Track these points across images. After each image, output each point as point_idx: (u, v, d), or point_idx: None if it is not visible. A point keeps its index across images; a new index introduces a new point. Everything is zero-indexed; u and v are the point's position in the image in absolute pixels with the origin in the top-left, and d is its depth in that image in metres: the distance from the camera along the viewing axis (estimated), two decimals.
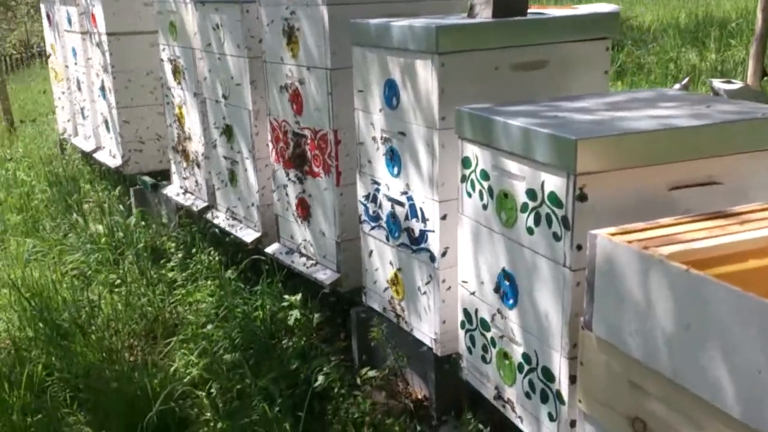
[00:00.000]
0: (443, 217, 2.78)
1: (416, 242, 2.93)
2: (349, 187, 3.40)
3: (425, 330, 2.98)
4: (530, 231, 2.23)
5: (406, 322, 3.11)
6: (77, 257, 5.03)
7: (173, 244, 5.02)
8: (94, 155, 6.31)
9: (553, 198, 2.11)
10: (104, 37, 5.56)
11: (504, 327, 2.44)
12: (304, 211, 3.68)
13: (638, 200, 2.10)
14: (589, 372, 1.97)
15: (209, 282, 4.44)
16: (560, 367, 2.20)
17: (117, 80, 5.63)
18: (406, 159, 2.90)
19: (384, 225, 3.11)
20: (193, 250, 4.79)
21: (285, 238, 3.93)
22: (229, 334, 3.75)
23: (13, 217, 6.08)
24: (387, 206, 3.07)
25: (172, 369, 3.71)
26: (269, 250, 3.99)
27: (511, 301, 2.37)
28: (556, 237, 2.12)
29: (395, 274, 3.11)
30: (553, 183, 2.10)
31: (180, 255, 4.86)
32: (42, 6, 7.31)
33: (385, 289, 3.20)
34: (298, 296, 3.69)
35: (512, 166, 2.28)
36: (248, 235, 4.19)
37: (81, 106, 6.59)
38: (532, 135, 2.16)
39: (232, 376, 3.50)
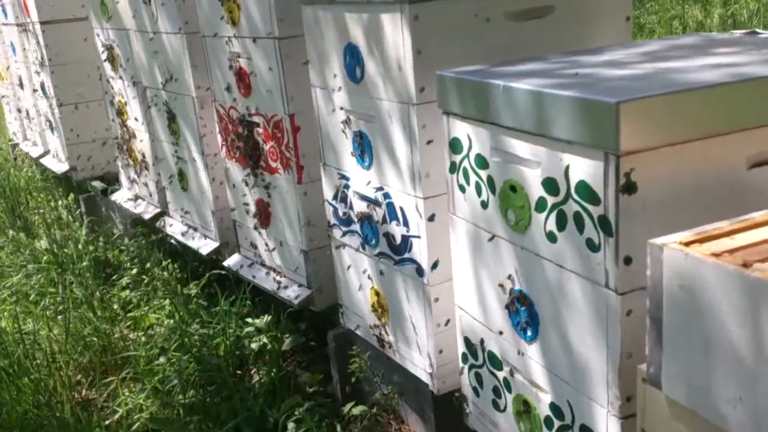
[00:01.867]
0: (430, 218, 2.13)
1: (398, 251, 2.28)
2: (314, 184, 2.74)
3: (418, 361, 2.34)
4: (551, 237, 1.58)
5: (393, 351, 2.46)
6: (17, 279, 4.36)
7: (127, 258, 4.36)
8: (41, 161, 5.63)
9: (585, 190, 1.46)
10: (38, 27, 4.86)
11: (522, 366, 1.80)
12: (265, 216, 3.03)
13: (707, 186, 1.45)
14: None
15: (166, 302, 3.78)
16: (608, 429, 1.55)
17: (56, 75, 4.93)
18: (377, 146, 2.24)
19: (358, 230, 2.46)
20: (148, 265, 4.13)
21: (246, 248, 3.28)
22: (185, 369, 3.10)
23: None
24: (359, 206, 2.42)
25: (117, 416, 3.07)
26: (229, 263, 3.34)
27: (529, 333, 1.73)
28: (592, 246, 1.47)
29: (375, 292, 2.46)
30: (584, 169, 1.45)
31: (134, 271, 4.21)
32: None
33: (366, 309, 2.56)
34: (265, 318, 3.04)
35: (520, 147, 1.62)
36: (205, 246, 3.54)
37: (26, 107, 5.90)
38: (547, 101, 1.50)
39: (187, 423, 2.85)
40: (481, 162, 1.76)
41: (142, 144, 3.99)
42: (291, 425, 2.54)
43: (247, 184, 3.05)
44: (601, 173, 1.40)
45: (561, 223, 1.54)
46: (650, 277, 1.23)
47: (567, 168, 1.49)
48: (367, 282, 2.50)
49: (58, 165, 5.32)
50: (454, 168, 1.89)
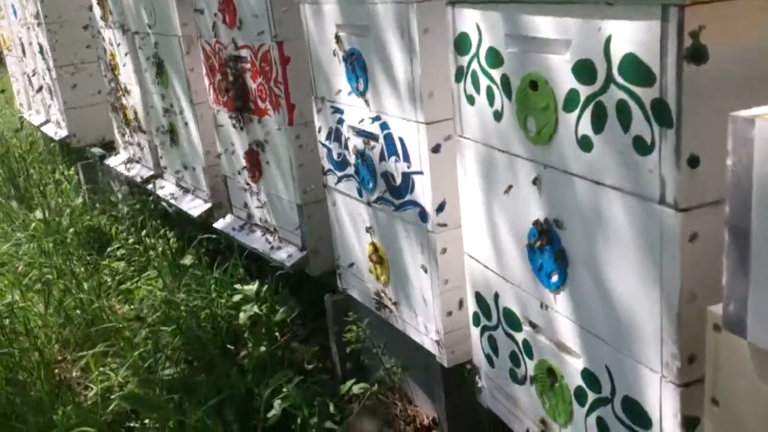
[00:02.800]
0: (435, 149, 1.73)
1: (399, 194, 1.89)
2: (308, 126, 2.36)
3: (423, 328, 1.95)
4: (585, 144, 1.17)
5: (395, 317, 2.08)
6: (5, 248, 4.06)
7: (123, 227, 4.04)
8: (42, 128, 5.34)
9: (633, 67, 1.05)
10: None
11: (546, 324, 1.40)
12: (255, 167, 2.65)
13: None
14: (736, 417, 0.93)
15: (162, 273, 3.44)
16: (661, 401, 1.15)
17: (52, 33, 4.61)
18: (373, 65, 1.85)
19: (353, 173, 2.08)
20: (143, 232, 3.80)
21: (239, 207, 2.91)
22: (168, 343, 2.76)
23: None
24: (355, 144, 2.03)
25: (92, 393, 2.73)
26: (219, 225, 2.98)
27: (555, 279, 1.32)
28: (642, 146, 1.06)
29: (374, 246, 2.08)
30: (632, 36, 1.04)
31: (130, 240, 3.88)
32: None
33: (364, 268, 2.17)
34: (254, 285, 2.68)
35: (544, 26, 1.21)
36: (196, 208, 3.18)
37: (28, 73, 5.61)
38: None
39: (167, 402, 2.50)
40: (494, 58, 1.36)
41: (133, 99, 3.65)
42: (277, 403, 2.17)
43: (236, 129, 2.68)
44: (656, 38, 0.99)
45: (598, 122, 1.13)
46: (732, 168, 0.82)
47: (608, 40, 1.08)
48: (365, 236, 2.11)
49: (57, 131, 5.02)
50: (461, 74, 1.49)
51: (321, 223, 2.41)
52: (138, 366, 2.73)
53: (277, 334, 2.78)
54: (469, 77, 1.45)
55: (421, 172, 1.77)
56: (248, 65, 2.49)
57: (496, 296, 1.55)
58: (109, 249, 3.94)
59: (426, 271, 1.85)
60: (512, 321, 1.51)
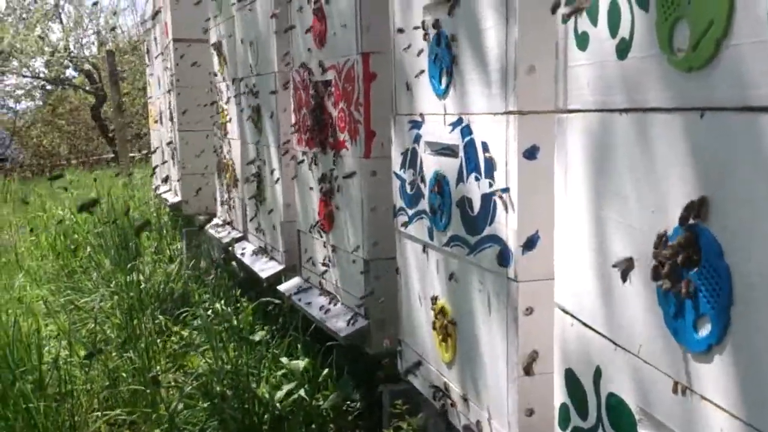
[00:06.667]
0: (528, 153, 1.17)
1: (475, 227, 1.32)
2: (385, 162, 1.86)
3: (498, 425, 1.31)
4: None
5: (457, 413, 1.45)
6: (83, 302, 3.80)
7: (207, 290, 3.69)
8: (163, 195, 5.25)
9: None
10: (171, 46, 4.55)
11: (683, 423, 0.75)
12: (327, 216, 2.18)
13: None
14: None
15: (228, 344, 2.99)
16: None
17: (181, 98, 4.54)
18: (459, 45, 1.35)
19: (426, 210, 1.53)
20: (222, 301, 3.42)
21: (307, 268, 2.42)
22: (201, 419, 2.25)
23: (39, 260, 5.08)
24: (430, 166, 1.50)
25: None
26: (283, 287, 2.49)
27: (705, 331, 0.69)
28: None
29: (442, 310, 1.49)
30: None
31: (206, 304, 3.51)
32: (145, 43, 6.62)
33: (428, 341, 1.58)
34: (301, 362, 2.13)
35: None
36: (267, 270, 2.73)
37: (163, 142, 5.63)
38: None
39: None
40: None
41: (233, 152, 3.36)
42: None
43: (313, 171, 2.24)
44: None
45: None
46: None
47: None
48: (431, 290, 1.54)
49: (172, 196, 4.88)
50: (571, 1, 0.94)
51: (391, 288, 1.85)
52: None
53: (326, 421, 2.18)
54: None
55: (506, 189, 1.20)
56: (332, 89, 2.07)
57: (598, 375, 0.92)
58: (183, 314, 3.58)
59: (503, 344, 1.24)
60: (621, 417, 0.86)
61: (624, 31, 0.82)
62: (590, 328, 0.93)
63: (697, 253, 0.70)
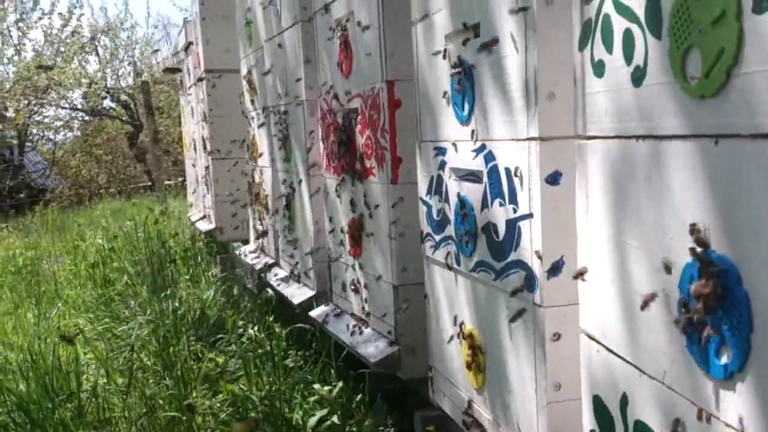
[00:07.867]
0: (551, 179, 1.17)
1: (501, 253, 1.32)
2: (413, 188, 1.87)
3: None
4: None
5: None
6: (120, 330, 3.86)
7: (241, 317, 3.73)
8: (197, 224, 5.33)
9: None
10: (204, 76, 4.65)
11: None
12: (357, 242, 2.20)
13: None
14: None
15: (263, 370, 3.02)
16: None
17: (214, 127, 4.62)
18: (481, 74, 1.36)
19: (452, 235, 1.54)
20: (255, 328, 3.45)
21: (338, 292, 2.44)
22: None
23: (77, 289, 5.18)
24: (455, 191, 1.52)
25: None
26: (314, 313, 2.51)
27: (726, 358, 0.69)
28: None
29: (470, 337, 1.49)
30: None
31: (240, 331, 3.55)
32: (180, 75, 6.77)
33: (458, 368, 1.58)
34: (336, 387, 2.14)
35: None
36: (299, 296, 2.75)
37: (199, 169, 5.73)
38: None
39: None
40: None
41: (265, 181, 3.40)
42: None
43: (342, 198, 2.26)
44: None
45: None
46: None
47: None
48: (459, 315, 1.54)
49: (206, 224, 4.95)
50: (588, 31, 0.96)
51: (420, 313, 1.86)
52: None
53: None
54: (599, 29, 0.92)
55: (530, 215, 1.21)
56: (359, 117, 2.10)
57: (624, 402, 0.92)
58: (219, 341, 3.62)
59: (531, 369, 1.24)
60: None
61: (638, 59, 0.83)
62: (615, 354, 0.93)
63: (727, 293, 0.70)
